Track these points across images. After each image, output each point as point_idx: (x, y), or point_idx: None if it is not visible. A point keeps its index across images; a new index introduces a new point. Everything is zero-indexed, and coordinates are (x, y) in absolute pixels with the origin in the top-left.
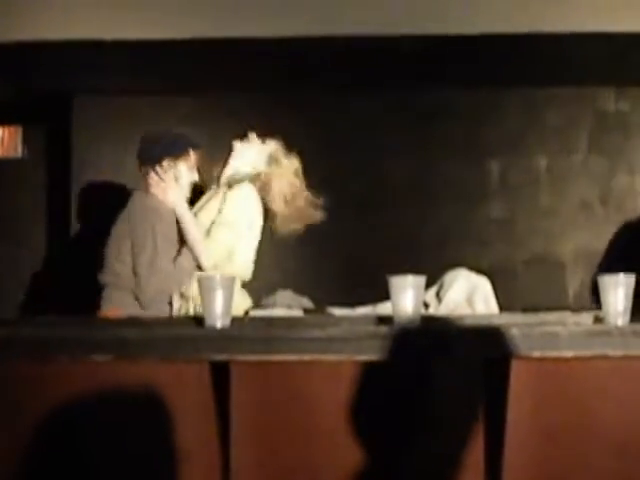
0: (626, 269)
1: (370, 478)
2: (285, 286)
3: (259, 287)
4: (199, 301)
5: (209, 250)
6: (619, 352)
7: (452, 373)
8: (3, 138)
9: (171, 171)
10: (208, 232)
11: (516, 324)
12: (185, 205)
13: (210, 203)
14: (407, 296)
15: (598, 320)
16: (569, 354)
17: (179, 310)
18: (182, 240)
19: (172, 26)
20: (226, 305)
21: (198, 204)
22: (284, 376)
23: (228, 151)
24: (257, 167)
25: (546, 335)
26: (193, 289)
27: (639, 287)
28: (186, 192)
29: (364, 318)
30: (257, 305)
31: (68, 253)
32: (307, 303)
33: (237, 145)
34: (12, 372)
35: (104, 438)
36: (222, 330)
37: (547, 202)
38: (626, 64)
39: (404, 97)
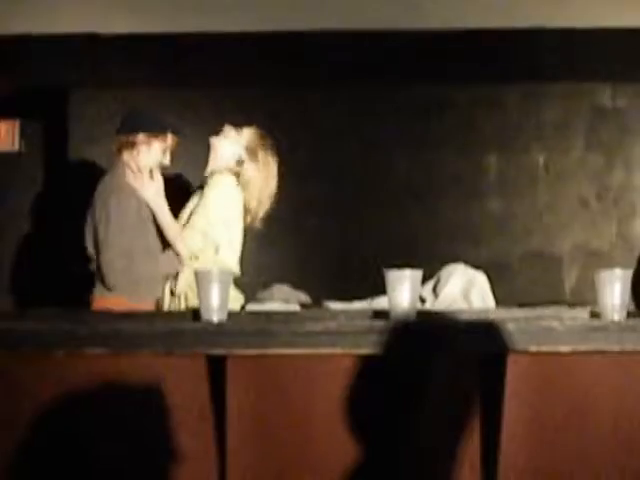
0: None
1: (366, 471)
2: (282, 280)
3: (255, 282)
4: (188, 298)
5: (188, 239)
6: (615, 347)
7: (449, 367)
8: (0, 132)
9: (144, 149)
10: (194, 227)
11: (513, 319)
12: (159, 195)
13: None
14: (404, 290)
15: (594, 315)
16: (566, 349)
17: (169, 307)
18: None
19: (168, 20)
20: (222, 299)
21: (189, 205)
22: (281, 370)
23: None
24: (236, 157)
25: (543, 330)
26: (180, 286)
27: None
28: (158, 176)
29: (361, 312)
30: (254, 299)
31: (65, 246)
32: (304, 297)
33: (214, 140)
34: (7, 366)
35: (100, 431)
36: (219, 324)
37: (544, 198)
38: (623, 60)
39: (401, 92)
